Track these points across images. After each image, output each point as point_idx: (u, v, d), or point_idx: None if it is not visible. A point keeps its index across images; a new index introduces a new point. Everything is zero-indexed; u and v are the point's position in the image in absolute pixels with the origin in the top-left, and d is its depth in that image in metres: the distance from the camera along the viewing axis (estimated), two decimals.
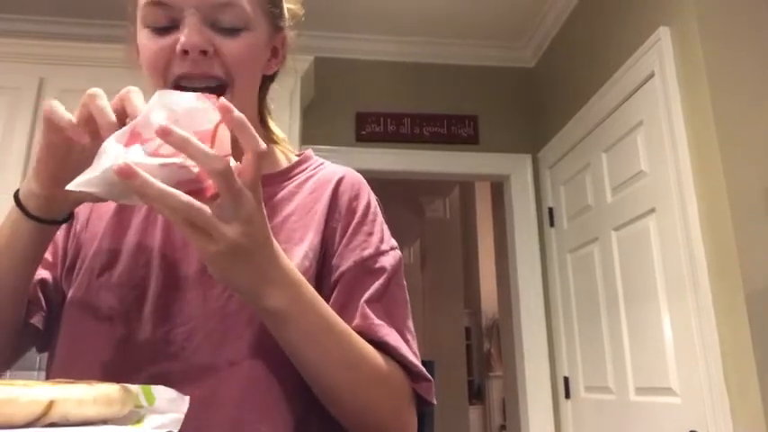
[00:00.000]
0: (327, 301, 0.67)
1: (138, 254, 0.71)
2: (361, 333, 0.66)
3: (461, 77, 3.02)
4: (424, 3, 2.72)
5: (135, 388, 0.48)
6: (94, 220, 0.75)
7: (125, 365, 0.65)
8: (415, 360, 0.69)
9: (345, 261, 0.71)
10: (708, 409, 1.64)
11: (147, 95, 0.62)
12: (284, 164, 0.80)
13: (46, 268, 0.73)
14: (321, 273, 0.71)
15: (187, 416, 0.47)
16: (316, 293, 0.63)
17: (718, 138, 1.67)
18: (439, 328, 4.99)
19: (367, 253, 0.72)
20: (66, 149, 0.58)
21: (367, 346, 0.65)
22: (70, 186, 0.52)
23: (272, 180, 0.75)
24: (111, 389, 0.45)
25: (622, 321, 2.12)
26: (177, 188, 0.51)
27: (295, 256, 0.69)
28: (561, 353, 2.60)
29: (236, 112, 0.53)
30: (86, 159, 0.54)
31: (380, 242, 0.74)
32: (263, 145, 0.54)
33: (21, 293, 0.66)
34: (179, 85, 0.66)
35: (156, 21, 0.67)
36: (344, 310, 0.68)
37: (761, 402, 1.49)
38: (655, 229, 1.95)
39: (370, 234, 0.74)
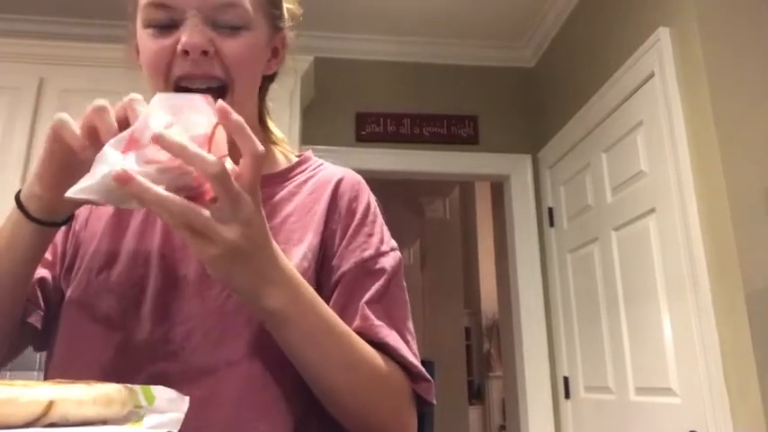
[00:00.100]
0: (327, 302, 0.67)
1: (136, 253, 0.71)
2: (361, 334, 0.66)
3: (461, 77, 3.02)
4: (424, 3, 2.72)
5: (135, 388, 0.48)
6: (94, 220, 0.76)
7: (124, 365, 0.65)
8: (415, 361, 0.69)
9: (345, 262, 0.71)
10: (708, 409, 1.64)
11: (147, 95, 0.62)
12: (284, 164, 0.80)
13: (45, 267, 0.73)
14: (320, 274, 0.71)
15: (186, 415, 0.47)
16: (315, 294, 0.63)
17: (718, 138, 1.67)
18: (439, 328, 4.99)
19: (367, 254, 0.72)
20: (69, 155, 0.58)
21: (367, 346, 0.65)
22: (69, 194, 0.52)
23: (271, 181, 0.75)
24: (110, 389, 0.45)
25: (622, 321, 2.12)
26: (177, 193, 0.51)
27: (294, 256, 0.69)
28: (561, 353, 2.60)
29: (235, 116, 0.54)
30: (89, 162, 0.54)
31: (380, 243, 0.74)
32: (261, 148, 0.54)
33: (20, 293, 0.66)
34: (179, 86, 0.67)
35: (157, 21, 0.67)
36: (345, 311, 0.68)
37: (761, 402, 1.49)
38: (655, 229, 1.95)
39: (370, 235, 0.74)
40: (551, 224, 2.76)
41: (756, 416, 1.50)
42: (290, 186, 0.77)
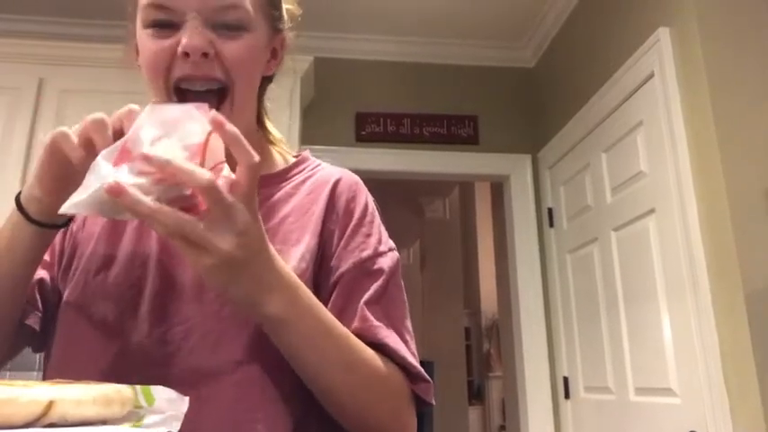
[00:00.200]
0: (326, 302, 0.67)
1: (134, 255, 0.71)
2: (360, 335, 0.66)
3: (461, 77, 3.02)
4: (424, 3, 2.72)
5: (134, 388, 0.48)
6: (90, 221, 0.76)
7: (122, 366, 0.65)
8: (414, 361, 0.69)
9: (344, 263, 0.71)
10: (707, 409, 1.64)
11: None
12: (281, 165, 0.80)
13: (43, 268, 0.73)
14: (318, 275, 0.71)
15: (185, 416, 0.48)
16: (313, 297, 0.63)
17: (718, 138, 1.67)
18: (438, 328, 4.99)
19: (365, 254, 0.72)
20: (67, 165, 0.58)
21: (365, 348, 0.66)
22: (62, 210, 0.52)
23: (269, 181, 0.75)
24: (110, 389, 0.45)
25: (622, 322, 2.12)
26: (171, 203, 0.51)
27: (292, 257, 0.69)
28: (561, 353, 2.60)
29: (229, 126, 0.54)
30: (82, 167, 0.54)
31: (378, 243, 0.74)
32: (257, 158, 0.54)
33: (19, 295, 0.66)
34: (179, 87, 0.67)
35: (158, 22, 0.66)
36: (344, 312, 0.68)
37: (760, 402, 1.49)
38: (654, 229, 1.95)
39: (369, 235, 0.74)
40: (551, 224, 2.76)
41: (756, 416, 1.50)
42: (288, 187, 0.77)
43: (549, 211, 2.78)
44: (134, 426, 0.45)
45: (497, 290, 3.19)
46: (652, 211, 1.96)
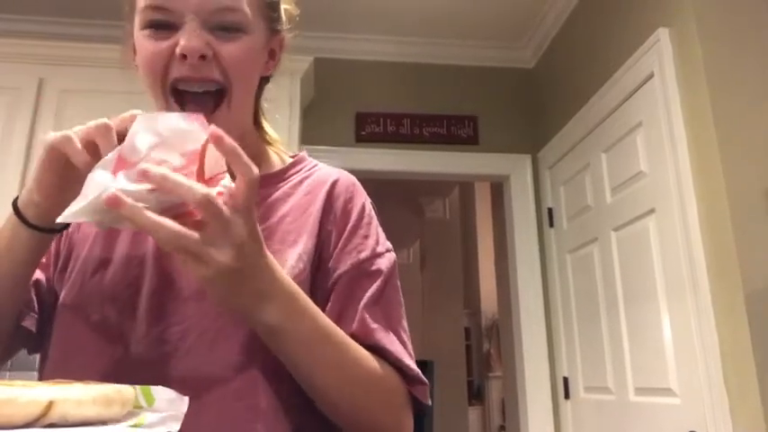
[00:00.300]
0: (324, 304, 0.68)
1: (131, 255, 0.71)
2: (358, 337, 0.66)
3: (461, 78, 3.02)
4: (424, 3, 2.72)
5: (134, 388, 0.48)
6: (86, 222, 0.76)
7: (120, 366, 0.65)
8: (411, 363, 0.69)
9: (342, 264, 0.71)
10: (707, 409, 1.64)
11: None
12: (278, 165, 0.81)
13: (39, 269, 0.73)
14: (316, 276, 0.71)
15: (184, 416, 0.48)
16: (309, 301, 0.63)
17: (718, 138, 1.67)
18: (438, 328, 4.98)
19: (363, 255, 0.72)
20: (68, 168, 0.58)
21: (362, 350, 0.66)
22: (61, 219, 0.53)
23: (267, 181, 0.75)
24: (110, 389, 0.45)
25: (622, 322, 2.12)
26: (167, 211, 0.52)
27: (289, 258, 0.69)
28: (561, 353, 2.60)
29: (228, 140, 0.53)
30: (87, 171, 0.54)
31: (376, 244, 0.74)
32: (256, 171, 0.54)
33: (19, 295, 0.66)
34: (176, 88, 0.67)
35: (156, 23, 0.66)
36: (342, 314, 0.68)
37: (760, 403, 1.49)
38: (654, 229, 1.95)
39: (366, 237, 0.74)
40: (551, 224, 2.76)
41: (756, 416, 1.50)
42: (286, 187, 0.77)
43: (549, 211, 2.78)
44: (134, 426, 0.45)
45: (497, 290, 3.19)
46: (652, 211, 1.96)
